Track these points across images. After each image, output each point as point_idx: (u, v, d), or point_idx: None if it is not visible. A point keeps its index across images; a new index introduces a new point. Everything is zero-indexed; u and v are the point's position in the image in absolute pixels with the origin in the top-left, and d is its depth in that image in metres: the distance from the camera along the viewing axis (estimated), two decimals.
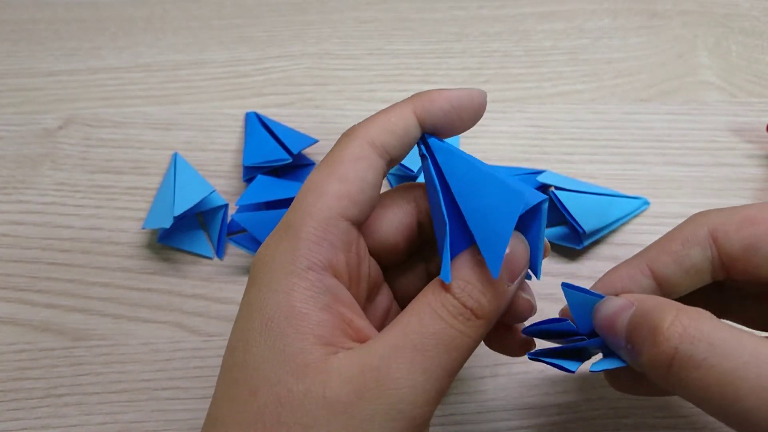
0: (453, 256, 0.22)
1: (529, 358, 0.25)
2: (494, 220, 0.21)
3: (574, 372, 0.24)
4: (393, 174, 0.39)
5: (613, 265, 0.36)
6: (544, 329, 0.25)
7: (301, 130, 0.40)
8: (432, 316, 0.20)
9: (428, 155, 0.23)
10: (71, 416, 0.32)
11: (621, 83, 0.43)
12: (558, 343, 0.25)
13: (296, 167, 0.39)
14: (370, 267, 0.24)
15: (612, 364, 0.23)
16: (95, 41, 0.46)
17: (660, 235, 0.36)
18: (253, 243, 0.36)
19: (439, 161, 0.23)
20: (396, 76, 0.44)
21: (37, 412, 0.32)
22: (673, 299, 0.23)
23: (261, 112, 0.42)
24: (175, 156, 0.40)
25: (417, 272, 0.27)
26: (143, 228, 0.36)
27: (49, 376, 0.33)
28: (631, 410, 0.31)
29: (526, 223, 0.22)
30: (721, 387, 0.18)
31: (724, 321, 0.20)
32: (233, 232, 0.37)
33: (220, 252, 0.37)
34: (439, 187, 0.22)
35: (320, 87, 0.44)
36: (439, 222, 0.23)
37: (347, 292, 0.22)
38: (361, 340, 0.21)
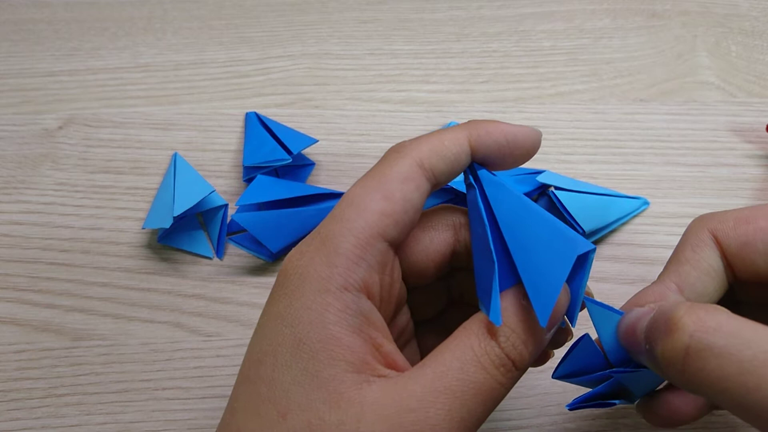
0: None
1: (569, 409, 0.25)
2: (546, 267, 0.20)
3: (616, 404, 0.23)
4: None
5: (613, 264, 0.36)
6: (576, 370, 0.24)
7: (301, 130, 0.40)
8: (475, 365, 0.20)
9: (476, 185, 0.23)
10: (71, 416, 0.32)
11: (621, 83, 0.43)
12: (590, 381, 0.25)
13: (296, 167, 0.39)
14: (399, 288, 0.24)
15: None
16: (95, 41, 0.47)
17: (659, 235, 0.37)
18: (253, 243, 0.36)
19: (487, 193, 0.22)
20: (396, 76, 0.44)
21: (37, 412, 0.32)
22: None
23: (261, 112, 0.42)
24: (175, 156, 0.40)
25: (437, 293, 0.26)
26: (143, 228, 0.36)
27: (49, 376, 0.33)
28: (630, 410, 0.31)
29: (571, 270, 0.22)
30: (741, 376, 0.18)
31: (739, 316, 0.19)
32: (233, 232, 0.37)
33: (219, 252, 0.37)
34: (487, 222, 0.22)
35: (320, 87, 0.44)
36: (482, 255, 0.22)
37: (379, 315, 0.21)
38: (389, 364, 0.21)
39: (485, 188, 0.23)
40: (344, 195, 0.22)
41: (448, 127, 0.23)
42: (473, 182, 0.23)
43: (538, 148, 0.24)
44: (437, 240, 0.24)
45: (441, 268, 0.24)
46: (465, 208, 0.25)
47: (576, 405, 0.24)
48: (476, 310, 0.27)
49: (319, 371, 0.19)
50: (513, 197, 0.22)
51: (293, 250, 0.22)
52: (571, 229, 0.21)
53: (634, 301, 0.24)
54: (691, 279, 0.24)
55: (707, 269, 0.24)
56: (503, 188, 0.22)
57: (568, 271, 0.20)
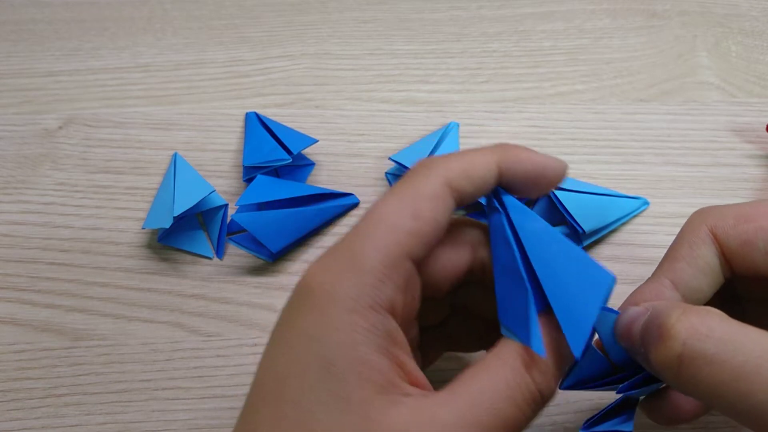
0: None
1: None
2: (578, 298, 0.20)
3: (631, 431, 0.23)
4: (391, 174, 0.39)
5: (613, 264, 0.36)
6: (583, 379, 0.24)
7: (301, 130, 0.40)
8: (508, 400, 0.20)
9: (501, 210, 0.23)
10: (71, 416, 0.32)
11: (621, 83, 0.44)
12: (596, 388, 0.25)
13: (296, 167, 0.39)
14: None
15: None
16: (95, 41, 0.47)
17: (659, 235, 0.37)
18: (252, 243, 0.36)
19: (513, 219, 0.22)
20: (396, 76, 0.44)
21: (37, 412, 0.32)
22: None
23: (261, 112, 0.42)
24: (175, 156, 0.40)
25: (443, 302, 0.26)
26: (143, 228, 0.36)
27: (49, 376, 0.33)
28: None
29: None
30: (734, 382, 0.18)
31: (732, 319, 0.20)
32: (233, 232, 0.37)
33: (220, 252, 0.37)
34: (516, 249, 0.21)
35: (320, 87, 0.44)
36: (507, 280, 0.22)
37: (402, 334, 0.21)
38: (412, 382, 0.21)
39: (510, 213, 0.22)
40: (372, 209, 0.22)
41: (478, 148, 0.23)
42: (498, 206, 0.23)
43: (562, 179, 0.24)
44: (455, 257, 0.24)
45: (455, 283, 0.24)
46: (483, 223, 0.25)
47: (590, 429, 0.24)
48: (478, 320, 0.27)
49: (348, 394, 0.19)
50: (539, 224, 0.22)
51: (316, 264, 0.21)
52: (595, 261, 0.21)
53: (631, 300, 0.24)
54: (686, 276, 0.23)
55: (703, 267, 0.23)
56: (530, 215, 0.22)
57: (601, 303, 0.20)
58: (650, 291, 0.24)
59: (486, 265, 0.24)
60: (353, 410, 0.19)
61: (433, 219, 0.21)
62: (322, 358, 0.20)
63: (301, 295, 0.21)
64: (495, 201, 0.23)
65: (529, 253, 0.21)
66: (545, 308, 0.21)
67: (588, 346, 0.22)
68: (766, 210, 0.23)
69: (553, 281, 0.21)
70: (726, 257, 0.23)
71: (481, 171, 0.22)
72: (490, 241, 0.24)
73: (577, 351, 0.20)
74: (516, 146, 0.23)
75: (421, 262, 0.22)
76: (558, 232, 0.22)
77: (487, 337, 0.28)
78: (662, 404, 0.24)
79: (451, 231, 0.24)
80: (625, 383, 0.22)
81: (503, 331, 0.22)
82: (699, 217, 0.24)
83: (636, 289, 0.24)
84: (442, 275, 0.24)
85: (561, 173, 0.23)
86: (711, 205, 0.25)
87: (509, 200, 0.23)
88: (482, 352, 0.30)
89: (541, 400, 0.21)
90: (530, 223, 0.22)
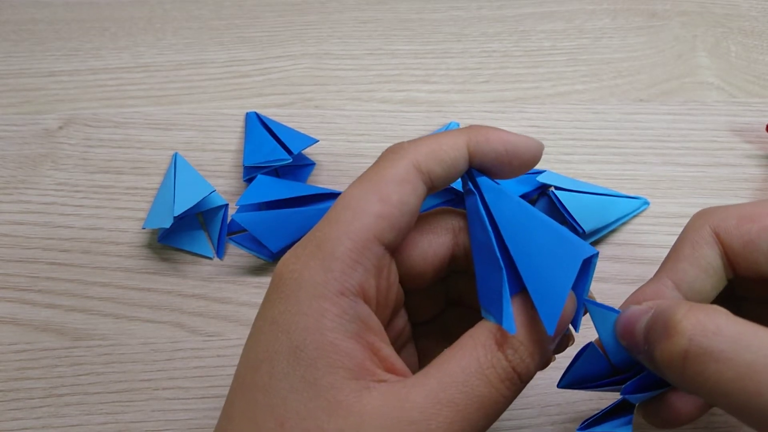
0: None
1: None
2: (551, 273, 0.20)
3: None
4: None
5: (613, 264, 0.36)
6: (581, 378, 0.24)
7: (301, 130, 0.41)
8: (480, 378, 0.20)
9: (476, 191, 0.22)
10: (71, 416, 0.32)
11: (621, 83, 0.44)
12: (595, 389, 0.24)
13: (296, 167, 0.39)
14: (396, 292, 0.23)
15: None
16: (95, 41, 0.47)
17: (659, 235, 0.37)
18: (253, 243, 0.36)
19: (487, 199, 0.22)
20: (396, 76, 0.44)
21: (38, 412, 0.32)
22: None
23: (261, 112, 0.42)
24: (175, 156, 0.40)
25: (435, 295, 0.26)
26: (143, 228, 0.36)
27: (49, 376, 0.33)
28: None
29: None
30: (741, 381, 0.18)
31: (739, 317, 0.19)
32: (233, 232, 0.37)
33: (220, 252, 0.37)
34: (490, 228, 0.21)
35: (320, 87, 0.44)
36: (484, 262, 0.22)
37: (376, 319, 0.21)
38: (388, 368, 0.20)
39: (485, 194, 0.22)
40: (339, 196, 0.22)
41: (447, 130, 0.23)
42: (472, 188, 0.23)
43: (538, 160, 0.23)
44: (435, 244, 0.24)
45: (439, 271, 0.24)
46: (464, 211, 0.25)
47: (587, 429, 0.24)
48: (475, 312, 0.27)
49: (317, 379, 0.19)
50: (513, 203, 0.22)
51: (288, 254, 0.21)
52: (573, 234, 0.21)
53: (632, 300, 0.24)
54: (688, 277, 0.23)
55: (706, 267, 0.23)
56: (503, 194, 0.22)
57: (574, 277, 0.20)
58: (652, 291, 0.23)
59: (469, 252, 0.24)
60: (322, 395, 0.19)
61: (401, 202, 0.21)
62: (290, 344, 0.20)
63: (272, 286, 0.21)
64: (470, 183, 0.23)
65: (503, 233, 0.21)
66: (520, 288, 0.21)
67: (577, 323, 0.22)
68: None
69: (527, 258, 0.21)
70: (729, 258, 0.23)
71: (451, 153, 0.22)
72: (468, 225, 0.23)
73: (549, 327, 0.20)
74: (487, 127, 0.23)
75: (398, 249, 0.22)
76: (534, 208, 0.22)
77: None
78: (659, 406, 0.24)
79: (431, 219, 0.24)
80: (629, 384, 0.22)
81: (483, 313, 0.22)
82: (701, 217, 0.24)
83: (637, 289, 0.24)
84: (423, 262, 0.23)
85: (535, 153, 0.23)
86: (713, 206, 0.24)
87: (483, 181, 0.23)
88: None
89: (518, 379, 0.20)
90: (505, 202, 0.22)
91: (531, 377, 0.21)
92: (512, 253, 0.21)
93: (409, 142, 0.23)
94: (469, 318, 0.27)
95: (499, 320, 0.20)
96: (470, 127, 0.23)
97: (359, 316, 0.20)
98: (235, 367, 0.22)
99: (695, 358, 0.19)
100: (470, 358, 0.20)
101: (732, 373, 0.18)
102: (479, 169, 0.23)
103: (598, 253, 0.21)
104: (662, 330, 0.20)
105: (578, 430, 0.24)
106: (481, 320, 0.21)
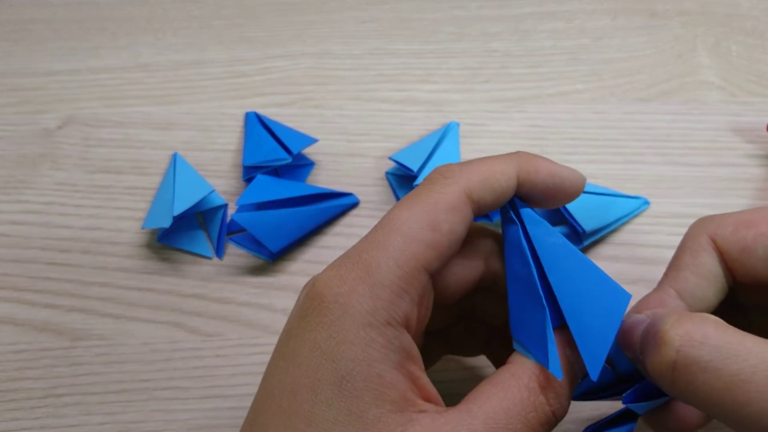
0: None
1: None
2: (595, 318, 0.20)
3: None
4: (392, 173, 0.39)
5: (613, 264, 0.36)
6: (589, 390, 0.23)
7: (301, 130, 0.40)
8: (522, 421, 0.19)
9: (518, 222, 0.22)
10: (70, 416, 0.32)
11: (621, 83, 0.43)
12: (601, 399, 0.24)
13: (296, 167, 0.39)
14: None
15: None
16: (95, 41, 0.46)
17: (659, 235, 0.37)
18: (252, 243, 0.36)
19: (530, 232, 0.22)
20: (396, 76, 0.44)
21: (37, 412, 0.32)
22: None
23: (261, 112, 0.42)
24: (174, 156, 0.40)
25: (451, 309, 0.26)
26: (143, 228, 0.36)
27: (48, 376, 0.33)
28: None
29: None
30: (729, 391, 0.18)
31: (729, 325, 0.19)
32: (233, 231, 0.37)
33: (219, 252, 0.37)
34: (533, 264, 0.21)
35: (320, 87, 0.44)
36: (522, 295, 0.21)
37: (416, 349, 0.21)
38: (425, 397, 0.20)
39: (527, 226, 0.22)
40: (387, 216, 0.21)
41: (497, 156, 0.23)
42: (515, 218, 0.22)
43: (580, 192, 0.23)
44: (468, 267, 0.23)
45: (467, 293, 0.24)
46: (496, 232, 0.25)
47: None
48: (482, 325, 0.27)
49: (363, 412, 0.19)
50: (557, 240, 0.21)
51: (329, 273, 0.21)
52: (612, 278, 0.21)
53: (635, 309, 0.24)
54: (690, 285, 0.23)
55: (706, 274, 0.23)
56: (547, 229, 0.22)
57: (619, 324, 0.20)
58: (655, 300, 0.23)
59: (497, 276, 0.24)
60: (368, 429, 0.19)
61: (452, 231, 0.21)
62: (336, 373, 0.19)
63: (311, 307, 0.20)
64: (512, 212, 0.23)
65: (546, 269, 0.21)
66: (559, 324, 0.21)
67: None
68: (766, 216, 0.23)
69: (569, 299, 0.20)
70: (727, 264, 0.23)
71: (502, 182, 0.22)
72: (505, 253, 0.23)
73: (594, 373, 0.20)
74: (535, 156, 0.23)
75: (435, 274, 0.22)
76: (575, 248, 0.22)
77: (489, 343, 0.28)
78: (665, 416, 0.24)
79: (465, 243, 0.23)
80: (630, 392, 0.22)
81: (516, 345, 0.22)
82: (699, 225, 0.24)
83: (641, 299, 0.24)
84: (454, 286, 0.23)
85: (578, 187, 0.23)
86: (711, 214, 0.24)
87: (526, 212, 0.22)
88: (483, 359, 0.29)
89: (555, 421, 0.20)
90: (547, 237, 0.22)
91: (562, 417, 0.21)
92: (555, 290, 0.21)
93: (459, 165, 0.22)
94: (475, 330, 0.27)
95: (543, 362, 0.20)
96: (519, 155, 0.23)
97: (403, 346, 0.20)
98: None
99: (683, 369, 0.19)
100: (513, 400, 0.20)
101: (719, 383, 0.18)
102: (521, 197, 0.23)
103: (630, 297, 0.21)
104: (652, 340, 0.20)
105: None
106: (517, 355, 0.21)
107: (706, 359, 0.18)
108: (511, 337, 0.23)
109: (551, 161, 0.23)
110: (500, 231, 0.25)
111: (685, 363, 0.19)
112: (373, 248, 0.20)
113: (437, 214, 0.21)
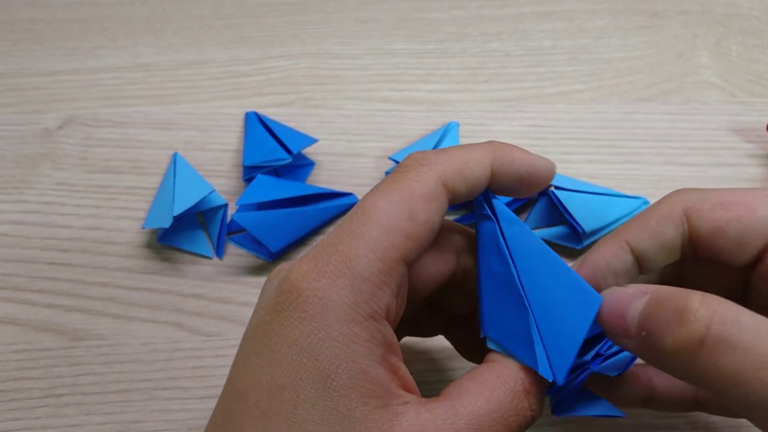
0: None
1: (557, 416, 0.24)
2: (564, 323, 0.20)
3: (625, 416, 0.23)
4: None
5: None
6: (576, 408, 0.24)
7: (301, 130, 0.40)
8: (504, 424, 0.20)
9: (494, 218, 0.22)
10: (71, 416, 0.32)
11: (621, 83, 0.43)
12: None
13: (296, 167, 0.39)
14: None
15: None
16: (95, 41, 0.46)
17: None
18: (252, 243, 0.36)
19: (505, 231, 0.22)
20: (396, 75, 0.44)
21: (37, 412, 0.32)
22: (646, 274, 0.23)
23: (261, 111, 0.42)
24: (174, 156, 0.40)
25: (417, 302, 0.26)
26: (143, 228, 0.36)
27: (48, 376, 0.33)
28: (629, 410, 0.31)
29: None
30: (759, 371, 0.17)
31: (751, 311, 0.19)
32: (233, 231, 0.37)
33: (219, 252, 0.37)
34: (513, 266, 0.21)
35: (320, 87, 0.44)
36: (497, 292, 0.21)
37: (396, 340, 0.21)
38: (404, 387, 0.20)
39: (502, 224, 0.22)
40: (362, 205, 0.21)
41: (471, 144, 0.22)
42: (490, 214, 0.22)
43: (551, 180, 0.23)
44: (441, 262, 0.23)
45: (438, 287, 0.24)
46: (468, 229, 0.25)
47: (563, 414, 0.24)
48: (444, 311, 0.27)
49: (350, 410, 0.19)
50: (532, 240, 0.21)
51: (304, 266, 0.20)
52: (585, 282, 0.21)
53: (593, 263, 0.23)
54: (645, 247, 0.23)
55: (663, 244, 0.23)
56: (521, 227, 0.22)
57: (587, 331, 0.20)
58: (609, 253, 0.23)
59: (468, 272, 0.24)
60: (356, 427, 0.19)
61: (428, 221, 0.20)
62: (319, 372, 0.19)
63: (289, 301, 0.20)
64: (486, 207, 0.22)
65: (519, 270, 0.21)
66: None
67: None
68: (745, 199, 0.22)
69: (540, 300, 0.20)
70: (693, 240, 0.23)
71: (477, 171, 0.22)
72: (479, 250, 0.23)
73: (560, 376, 0.20)
74: (508, 145, 0.23)
75: (411, 265, 0.22)
76: (549, 248, 0.22)
77: (448, 326, 0.28)
78: (634, 385, 0.24)
79: (438, 238, 0.23)
80: (596, 359, 0.22)
81: (491, 344, 0.22)
82: (678, 196, 0.23)
83: (592, 249, 0.24)
84: (427, 279, 0.23)
85: (549, 175, 0.23)
86: (693, 188, 0.24)
87: (500, 207, 0.22)
88: (453, 351, 0.29)
89: (531, 424, 0.21)
90: (522, 236, 0.21)
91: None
92: (526, 291, 0.21)
93: (435, 152, 0.22)
94: (437, 315, 0.27)
95: (531, 364, 0.20)
96: (493, 144, 0.22)
97: (385, 339, 0.20)
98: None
99: (712, 345, 0.18)
100: (499, 403, 0.20)
101: (747, 362, 0.18)
102: (493, 187, 0.23)
103: (601, 300, 0.21)
104: (674, 317, 0.19)
105: (556, 414, 0.24)
106: (501, 356, 0.21)
107: (738, 337, 0.18)
108: (471, 323, 0.23)
109: (524, 150, 0.23)
110: (467, 228, 0.25)
111: (716, 340, 0.18)
112: (350, 239, 0.20)
113: (414, 204, 0.20)
